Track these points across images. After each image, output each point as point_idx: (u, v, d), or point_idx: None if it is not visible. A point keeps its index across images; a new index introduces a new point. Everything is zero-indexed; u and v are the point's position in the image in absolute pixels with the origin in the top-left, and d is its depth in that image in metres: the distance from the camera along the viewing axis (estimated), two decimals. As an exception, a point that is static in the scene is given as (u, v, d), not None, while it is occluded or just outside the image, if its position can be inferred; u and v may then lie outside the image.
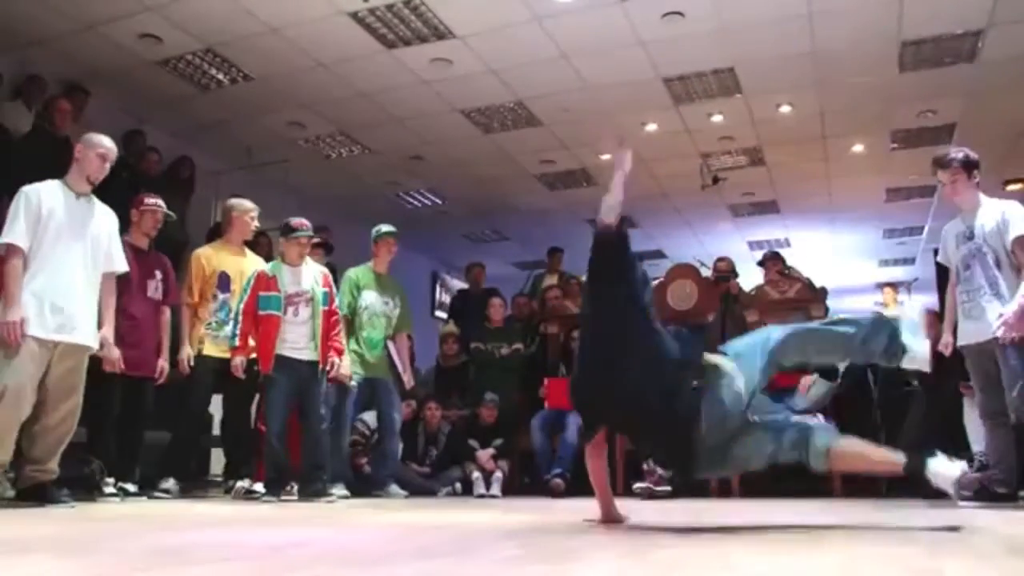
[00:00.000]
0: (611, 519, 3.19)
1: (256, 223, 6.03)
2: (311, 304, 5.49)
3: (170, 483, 5.37)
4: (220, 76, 7.34)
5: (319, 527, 3.42)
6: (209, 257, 5.83)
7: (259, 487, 5.42)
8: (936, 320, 6.54)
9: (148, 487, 5.31)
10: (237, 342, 5.34)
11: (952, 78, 7.43)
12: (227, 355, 5.55)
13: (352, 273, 6.33)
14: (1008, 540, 2.67)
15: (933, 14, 6.44)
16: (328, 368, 5.49)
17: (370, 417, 6.42)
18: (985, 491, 4.63)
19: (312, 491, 5.26)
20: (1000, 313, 4.33)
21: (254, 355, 5.56)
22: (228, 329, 5.56)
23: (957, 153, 4.74)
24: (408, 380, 6.49)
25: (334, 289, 5.76)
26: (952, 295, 4.85)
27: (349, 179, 9.82)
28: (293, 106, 8.00)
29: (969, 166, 4.68)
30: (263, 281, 5.42)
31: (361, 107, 8.01)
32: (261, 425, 5.88)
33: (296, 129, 8.52)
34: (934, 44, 6.91)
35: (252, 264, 5.88)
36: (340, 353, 5.60)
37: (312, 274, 5.59)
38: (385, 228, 6.43)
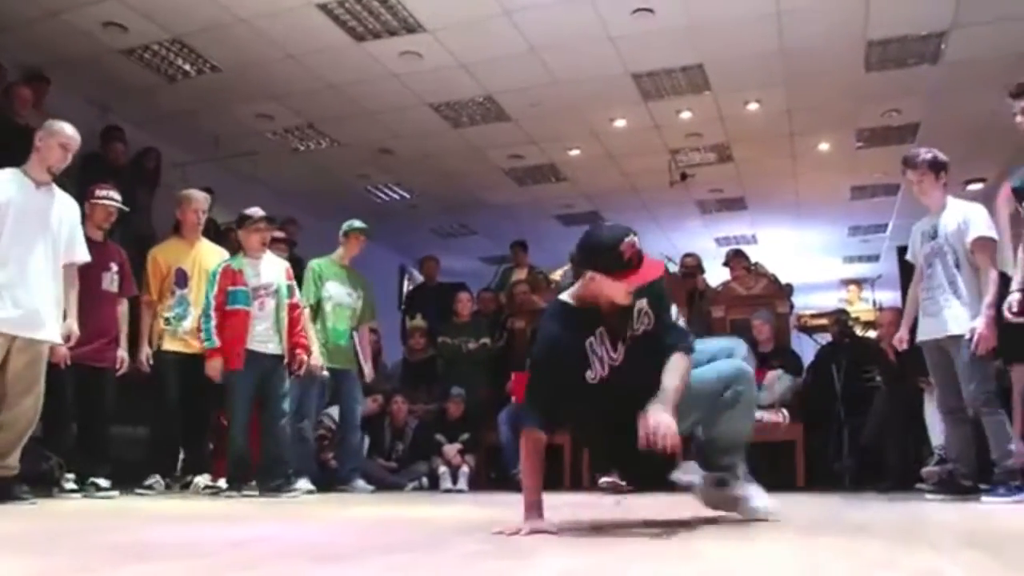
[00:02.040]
0: (535, 524, 2.67)
1: (204, 215, 5.91)
2: (276, 297, 5.45)
3: (155, 479, 5.35)
4: (187, 67, 7.25)
5: (283, 522, 3.40)
6: (165, 255, 5.76)
7: (221, 482, 5.39)
8: (898, 318, 6.63)
9: (131, 483, 5.26)
10: (216, 342, 5.23)
11: (916, 78, 7.52)
12: (187, 350, 5.50)
13: (316, 264, 6.29)
14: (962, 532, 2.72)
15: (898, 15, 6.51)
16: (297, 366, 5.46)
17: (336, 411, 6.40)
18: (951, 484, 4.72)
19: (273, 486, 5.21)
20: (972, 327, 4.40)
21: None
22: (187, 324, 5.51)
23: (927, 154, 4.79)
24: (368, 372, 6.45)
25: (295, 282, 5.73)
26: (915, 291, 4.94)
27: (318, 172, 9.75)
28: (261, 98, 7.93)
29: (937, 167, 4.75)
30: (229, 275, 5.36)
31: (330, 100, 7.95)
32: (225, 420, 5.85)
33: (264, 121, 8.44)
34: (899, 45, 6.99)
35: (208, 255, 5.81)
36: (306, 349, 5.58)
37: (274, 267, 5.56)
38: (358, 224, 6.40)
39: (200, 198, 5.89)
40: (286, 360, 5.43)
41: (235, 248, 5.75)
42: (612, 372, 2.73)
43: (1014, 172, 4.34)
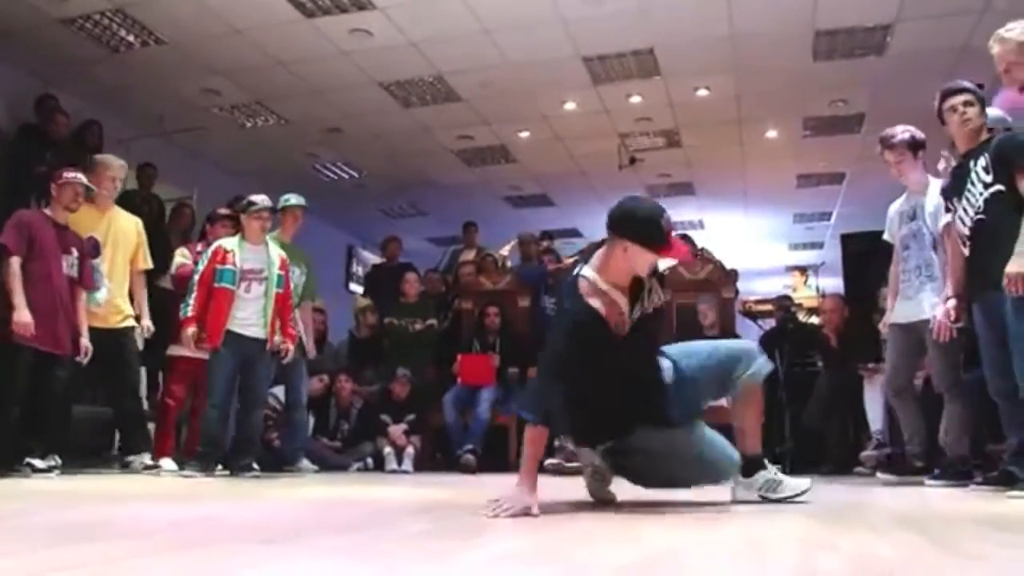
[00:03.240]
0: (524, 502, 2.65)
1: (119, 182, 5.73)
2: (265, 283, 5.42)
3: (53, 459, 5.03)
4: (131, 38, 7.08)
5: (227, 502, 3.37)
6: (76, 224, 5.40)
7: (164, 462, 5.32)
8: (842, 304, 6.76)
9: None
10: (190, 312, 5.24)
11: (862, 69, 7.65)
12: (102, 324, 5.36)
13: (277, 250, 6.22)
14: (900, 514, 2.79)
15: (846, 6, 6.63)
16: (283, 354, 5.48)
17: (280, 391, 6.35)
18: (901, 465, 4.80)
19: (241, 465, 5.23)
20: (933, 316, 4.43)
21: (131, 322, 5.42)
22: (100, 296, 5.38)
23: (904, 133, 4.73)
24: (310, 350, 6.40)
25: (291, 274, 5.68)
26: (894, 274, 4.92)
27: (265, 149, 9.62)
28: (208, 73, 7.78)
29: (915, 146, 4.70)
30: (220, 254, 5.36)
31: (278, 76, 7.84)
32: (168, 399, 5.77)
33: (211, 97, 8.29)
34: (846, 35, 7.11)
35: (122, 223, 5.67)
36: (294, 339, 5.64)
37: (271, 254, 5.52)
38: (293, 199, 6.29)
39: (116, 165, 5.66)
40: (269, 344, 5.40)
41: (186, 225, 5.65)
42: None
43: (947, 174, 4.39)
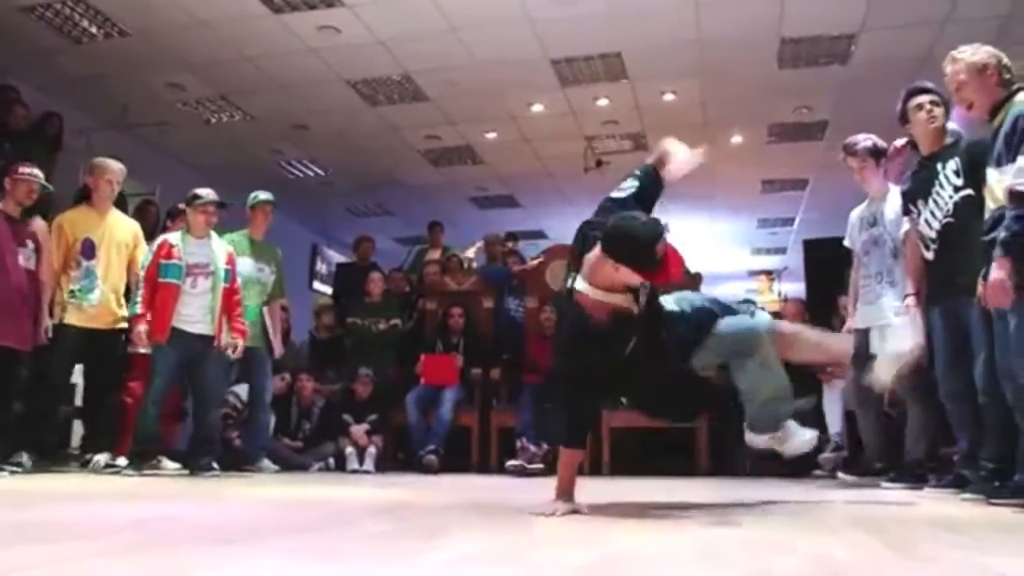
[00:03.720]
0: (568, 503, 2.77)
1: (117, 185, 5.73)
2: (211, 278, 5.37)
3: (23, 457, 5.03)
4: (93, 29, 6.97)
5: (186, 502, 3.34)
6: (73, 223, 5.53)
7: (121, 461, 5.26)
8: (803, 308, 6.84)
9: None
10: (139, 309, 5.18)
11: (826, 77, 7.75)
12: (91, 324, 5.35)
13: (226, 239, 6.17)
14: (856, 516, 2.83)
15: (812, 15, 6.70)
16: (231, 351, 5.42)
17: (242, 390, 6.30)
18: (861, 467, 4.88)
19: (201, 465, 5.19)
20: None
21: (123, 324, 5.39)
22: (93, 297, 5.35)
23: (866, 141, 4.86)
24: (277, 349, 6.36)
25: (261, 272, 5.65)
26: (854, 280, 5.01)
27: (230, 145, 9.53)
28: (172, 66, 7.69)
29: (876, 154, 4.82)
30: (165, 249, 5.30)
31: (245, 72, 7.77)
32: (126, 397, 5.70)
33: (175, 91, 8.19)
34: (811, 43, 7.19)
35: (119, 227, 5.66)
36: (243, 334, 5.54)
37: (217, 249, 5.47)
38: (263, 195, 6.29)
39: (115, 168, 5.66)
40: (216, 341, 5.34)
41: (152, 223, 5.60)
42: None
43: (906, 179, 4.48)
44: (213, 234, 5.54)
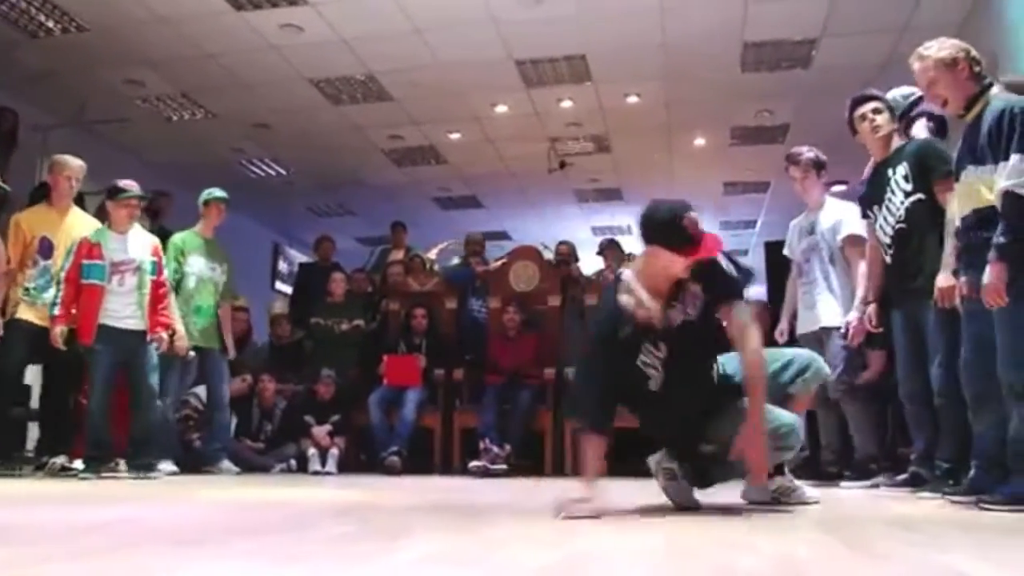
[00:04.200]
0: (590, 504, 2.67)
1: (76, 183, 5.59)
2: (138, 273, 5.25)
3: None
4: (50, 24, 6.85)
5: (145, 504, 3.30)
6: (30, 222, 5.43)
7: (77, 464, 5.17)
8: (764, 311, 6.89)
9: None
10: (58, 311, 5.06)
11: (788, 81, 7.84)
12: (45, 323, 5.25)
13: (177, 238, 6.09)
14: (814, 516, 2.86)
15: (774, 20, 6.77)
16: (157, 344, 5.29)
17: (202, 391, 6.23)
18: (815, 470, 4.97)
19: (140, 465, 5.08)
20: (847, 321, 4.60)
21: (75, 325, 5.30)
22: (49, 295, 5.26)
23: (809, 152, 5.06)
24: (231, 351, 6.30)
25: (164, 259, 5.53)
26: (793, 286, 5.15)
27: (191, 143, 9.42)
28: (132, 62, 7.58)
29: (818, 166, 5.04)
30: (86, 248, 5.16)
31: (206, 69, 7.69)
32: (83, 398, 5.61)
33: (135, 87, 8.08)
34: (774, 48, 7.27)
35: (78, 226, 5.53)
36: (167, 328, 5.39)
37: (141, 242, 5.35)
38: (217, 192, 6.22)
39: (75, 166, 5.52)
40: (149, 337, 5.24)
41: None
42: (665, 368, 2.76)
43: (862, 184, 4.58)
44: (136, 226, 5.41)
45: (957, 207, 3.39)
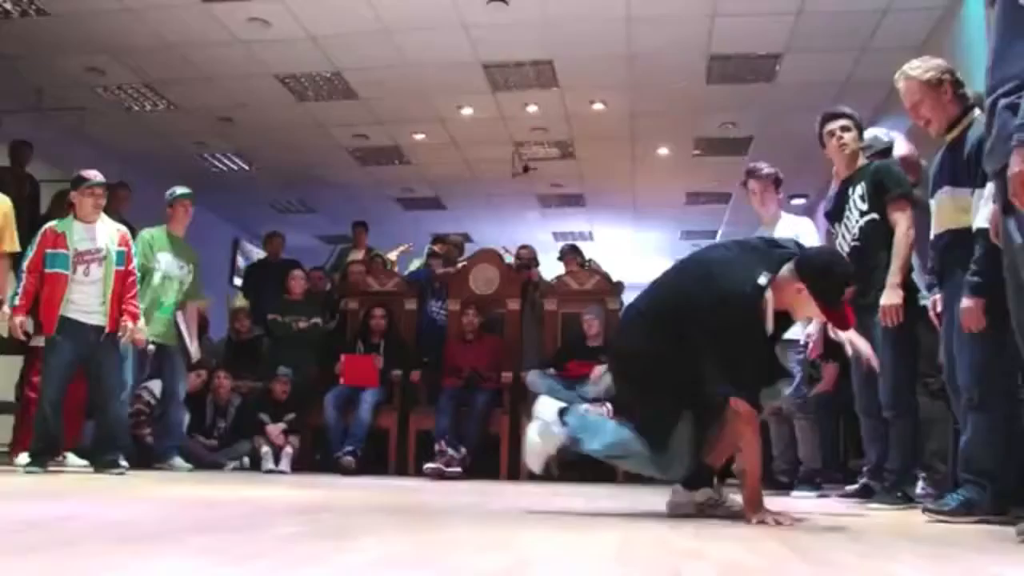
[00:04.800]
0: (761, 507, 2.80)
1: None
2: (104, 264, 5.16)
3: None
4: (7, 5, 6.71)
5: (93, 501, 3.24)
6: None
7: (22, 458, 5.07)
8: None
9: None
10: (19, 300, 4.95)
11: (752, 95, 7.94)
12: None
13: (147, 234, 6.03)
14: (766, 525, 2.88)
15: (739, 33, 6.86)
16: (121, 333, 5.19)
17: (155, 386, 6.15)
18: (767, 480, 5.03)
19: (105, 462, 5.02)
20: (807, 334, 4.67)
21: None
22: None
23: (769, 168, 5.15)
24: (194, 352, 6.24)
25: (132, 248, 5.44)
26: None
27: (151, 135, 9.30)
28: (93, 50, 7.45)
29: (777, 181, 5.14)
30: (50, 237, 5.07)
31: (169, 60, 7.59)
32: (30, 392, 5.51)
33: (95, 75, 7.94)
34: (739, 61, 7.36)
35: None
36: (134, 317, 5.30)
37: (108, 231, 5.26)
38: (180, 190, 6.17)
39: None
40: (108, 329, 5.15)
41: (65, 214, 5.37)
42: None
43: (828, 200, 4.65)
44: (103, 215, 5.31)
45: (933, 224, 3.45)
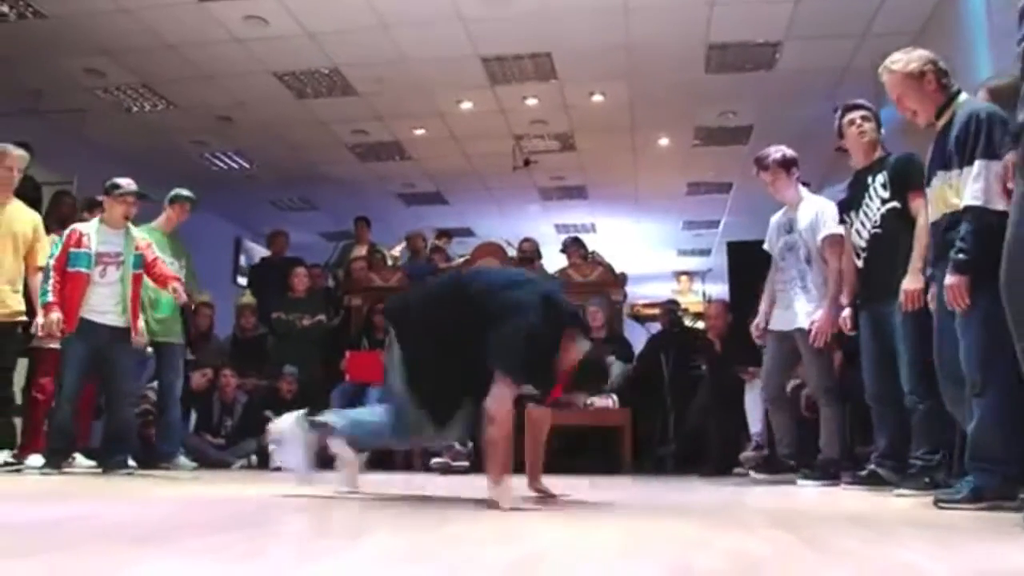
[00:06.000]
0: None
1: (19, 173, 5.43)
2: (121, 267, 5.19)
3: None
4: (5, 8, 6.69)
5: (102, 501, 3.25)
6: None
7: (35, 459, 5.08)
8: (725, 310, 6.95)
9: None
10: (50, 297, 4.97)
11: (752, 83, 7.90)
12: None
13: (137, 233, 6.02)
14: (771, 513, 2.88)
15: (738, 22, 6.82)
16: (178, 298, 5.32)
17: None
18: (773, 464, 5.03)
19: (113, 463, 5.04)
20: (812, 320, 4.66)
21: (20, 317, 5.20)
22: None
23: (776, 153, 5.04)
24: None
25: (154, 255, 5.45)
26: (771, 282, 5.15)
27: (151, 135, 9.28)
28: (92, 52, 7.44)
29: (786, 164, 5.01)
30: (75, 237, 5.13)
31: (168, 60, 7.58)
32: (37, 394, 5.52)
33: (95, 77, 7.94)
34: (738, 50, 7.33)
35: (18, 218, 5.41)
36: (181, 282, 5.42)
37: (130, 239, 5.30)
38: (185, 192, 6.16)
39: (16, 155, 5.37)
40: (133, 333, 5.20)
41: (66, 216, 5.39)
42: None
43: (843, 189, 4.64)
44: (131, 226, 5.37)
45: (930, 211, 3.46)
